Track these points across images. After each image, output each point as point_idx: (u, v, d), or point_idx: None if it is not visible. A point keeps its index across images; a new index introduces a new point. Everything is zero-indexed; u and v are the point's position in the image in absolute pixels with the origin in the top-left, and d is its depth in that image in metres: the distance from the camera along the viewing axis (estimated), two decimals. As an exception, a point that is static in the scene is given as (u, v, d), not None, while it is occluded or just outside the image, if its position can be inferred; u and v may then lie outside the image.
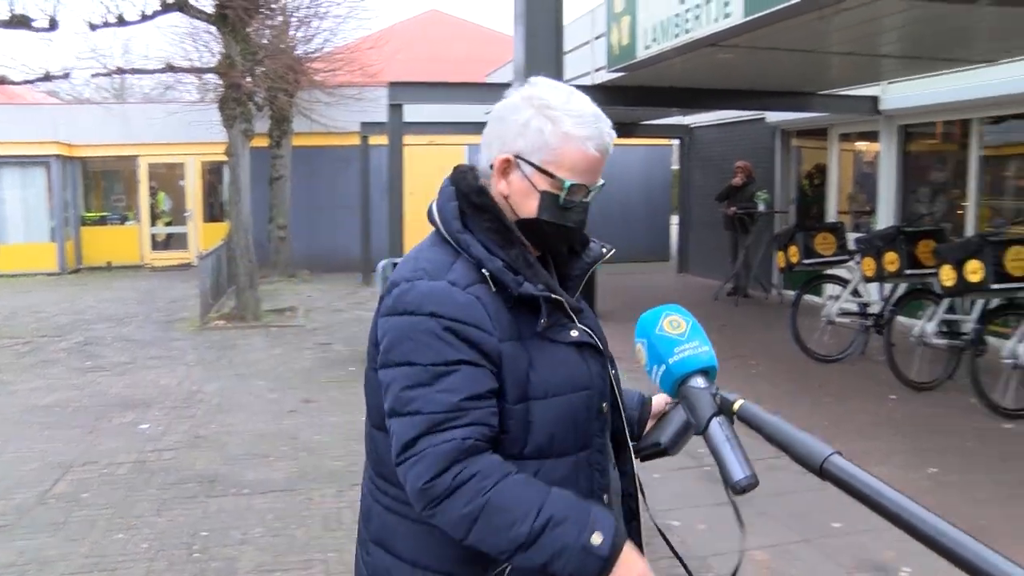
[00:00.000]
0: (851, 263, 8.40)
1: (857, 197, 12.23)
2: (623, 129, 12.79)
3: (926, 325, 7.29)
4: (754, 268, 12.63)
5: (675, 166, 18.74)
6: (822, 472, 1.15)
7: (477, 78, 17.36)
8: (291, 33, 16.59)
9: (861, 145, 12.13)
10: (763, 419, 1.26)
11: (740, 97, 10.38)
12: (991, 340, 7.22)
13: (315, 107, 17.02)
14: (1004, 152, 9.83)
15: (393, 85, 10.20)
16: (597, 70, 9.71)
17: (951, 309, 7.45)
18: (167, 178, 19.61)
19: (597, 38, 10.13)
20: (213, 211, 19.36)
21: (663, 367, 1.44)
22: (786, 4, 5.43)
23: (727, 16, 6.15)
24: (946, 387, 7.33)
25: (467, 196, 1.62)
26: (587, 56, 10.71)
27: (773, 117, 12.54)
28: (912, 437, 6.11)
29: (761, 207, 12.32)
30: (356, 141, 15.69)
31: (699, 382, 1.39)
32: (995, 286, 6.53)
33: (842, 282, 8.58)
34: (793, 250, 8.47)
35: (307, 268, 17.04)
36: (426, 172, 17.60)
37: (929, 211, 10.35)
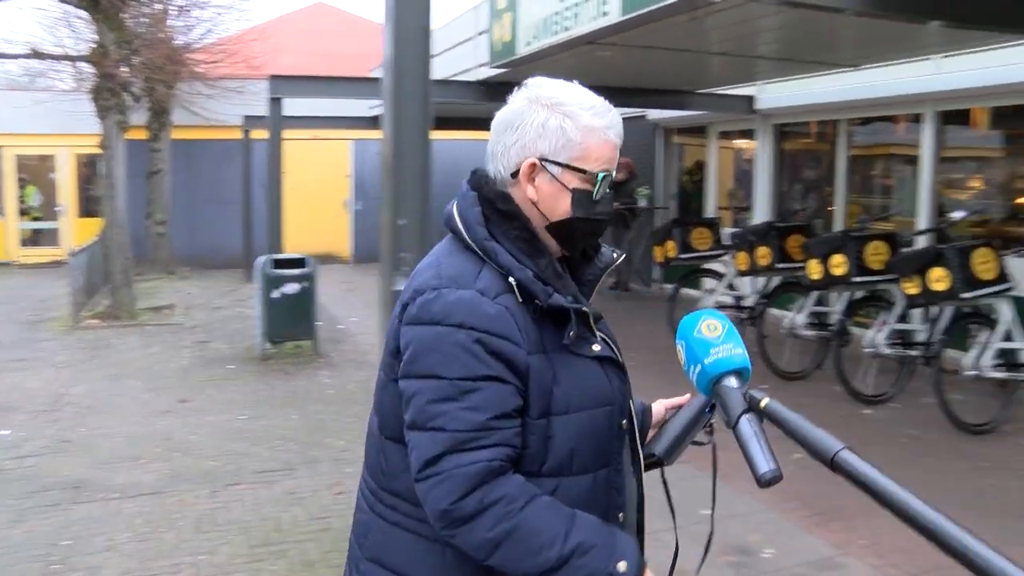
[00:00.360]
0: (726, 257, 8.66)
1: (736, 193, 12.65)
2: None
3: (796, 317, 7.61)
4: (636, 263, 12.88)
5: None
6: (833, 465, 1.23)
7: (365, 73, 17.16)
8: (169, 22, 16.00)
9: (739, 143, 12.55)
10: (785, 416, 1.34)
11: (621, 95, 10.51)
12: (855, 330, 7.60)
13: (196, 99, 16.47)
14: (872, 152, 10.34)
15: (273, 78, 9.98)
16: (480, 66, 9.72)
17: (819, 301, 7.80)
18: (38, 171, 18.60)
19: (480, 34, 10.15)
20: (88, 206, 18.45)
21: (699, 367, 1.49)
22: (660, 4, 5.54)
23: (604, 15, 6.24)
24: (815, 376, 7.65)
25: (492, 202, 1.57)
26: (470, 52, 10.72)
27: (654, 115, 12.82)
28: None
29: (642, 203, 12.61)
30: (238, 135, 15.28)
31: (732, 382, 1.45)
32: (856, 279, 6.89)
33: (718, 276, 8.85)
34: (670, 245, 8.69)
35: (187, 265, 16.52)
36: (309, 167, 17.50)
37: (802, 207, 10.79)
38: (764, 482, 1.33)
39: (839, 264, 6.87)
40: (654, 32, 6.48)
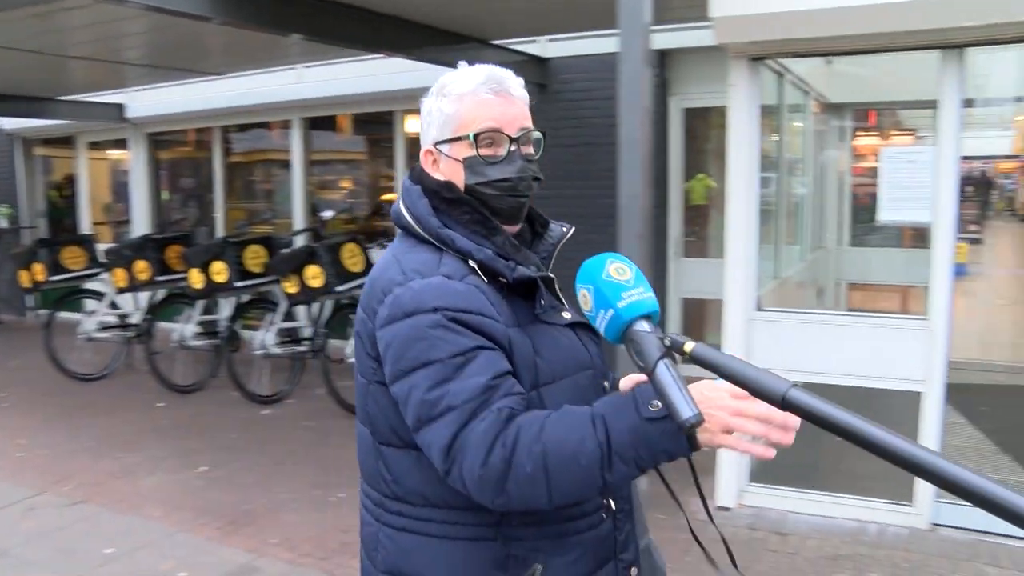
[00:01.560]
0: (104, 275, 8.09)
1: (114, 207, 11.90)
2: None
3: (184, 328, 7.42)
4: (1, 291, 11.36)
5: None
6: (784, 403, 1.16)
7: None
8: None
9: (113, 153, 11.81)
10: (718, 359, 1.25)
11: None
12: (247, 334, 7.69)
13: None
14: (251, 158, 10.55)
15: None
16: None
17: (207, 310, 7.71)
18: None
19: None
20: None
21: (610, 312, 1.36)
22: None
23: None
24: (212, 385, 7.55)
25: (437, 192, 1.57)
26: None
27: (9, 124, 11.42)
28: (182, 439, 6.15)
29: (3, 223, 11.16)
30: None
31: (645, 326, 1.34)
32: (239, 284, 6.96)
33: (99, 296, 8.23)
34: (38, 268, 7.82)
35: None
36: None
37: (184, 217, 10.59)
38: (688, 427, 1.23)
39: (220, 271, 6.87)
40: (-3, 28, 5.71)
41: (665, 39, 6.85)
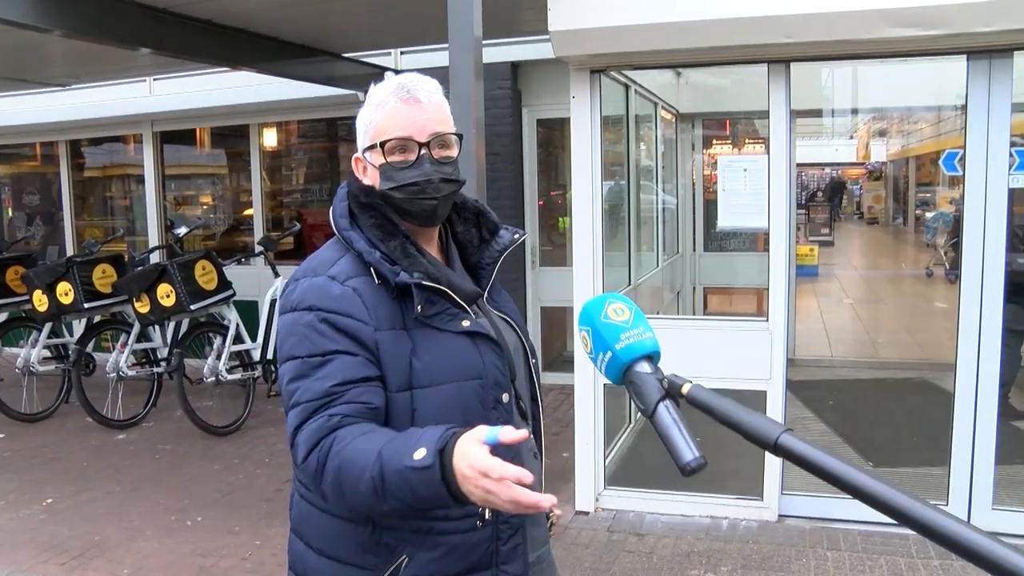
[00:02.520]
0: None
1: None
2: None
3: (30, 353, 7.04)
4: None
5: None
6: (776, 448, 1.12)
7: None
8: None
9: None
10: (713, 401, 1.21)
11: None
12: (99, 356, 7.36)
13: None
14: (105, 173, 10.12)
15: None
16: None
17: (55, 333, 7.35)
18: None
19: None
20: None
21: (609, 354, 1.33)
22: None
23: None
24: (62, 412, 7.19)
25: (356, 196, 1.68)
26: None
27: None
28: (26, 472, 5.83)
29: None
30: None
31: (645, 367, 1.31)
32: (88, 305, 6.67)
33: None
34: None
35: None
36: None
37: (30, 235, 10.05)
38: (689, 471, 1.18)
39: (67, 292, 6.57)
40: None
41: (517, 51, 6.99)
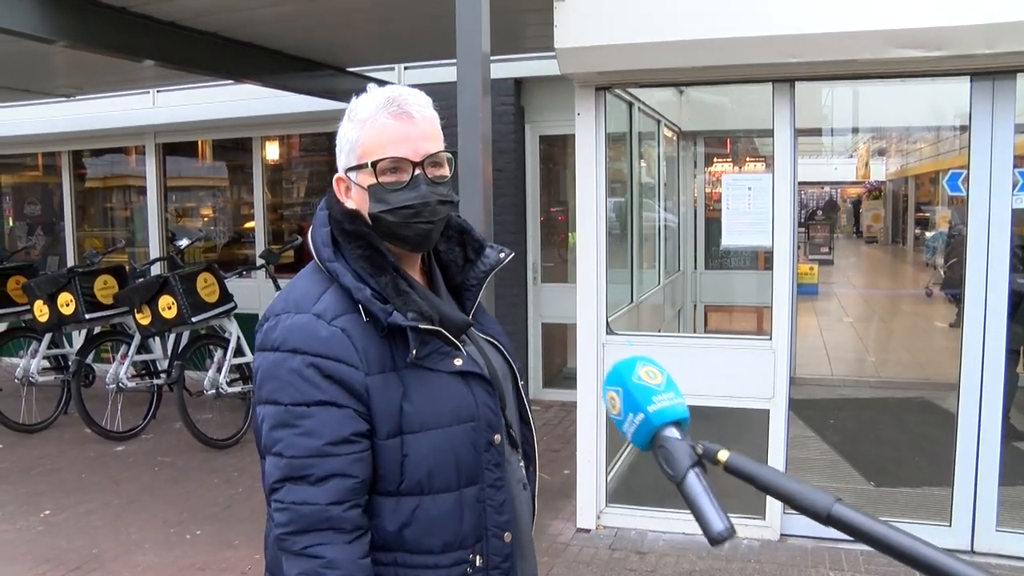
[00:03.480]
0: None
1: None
2: None
3: (30, 363, 7.03)
4: None
5: None
6: (829, 519, 1.10)
7: None
8: None
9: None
10: (756, 471, 1.17)
11: None
12: (100, 367, 7.34)
13: None
14: (107, 184, 10.13)
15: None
16: None
17: (55, 343, 7.34)
18: None
19: None
20: None
21: (640, 415, 1.29)
22: None
23: None
24: (61, 423, 7.18)
25: (339, 223, 1.55)
26: None
27: None
28: (24, 483, 5.81)
29: None
30: None
31: (674, 432, 1.27)
32: (89, 316, 6.66)
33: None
34: None
35: None
36: None
37: (31, 246, 10.05)
38: (719, 541, 1.16)
39: (68, 302, 6.56)
40: None
41: (521, 67, 7.01)
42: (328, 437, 1.44)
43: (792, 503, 1.14)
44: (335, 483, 1.44)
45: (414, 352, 1.49)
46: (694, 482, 1.21)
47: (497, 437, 1.58)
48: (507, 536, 1.60)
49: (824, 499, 1.11)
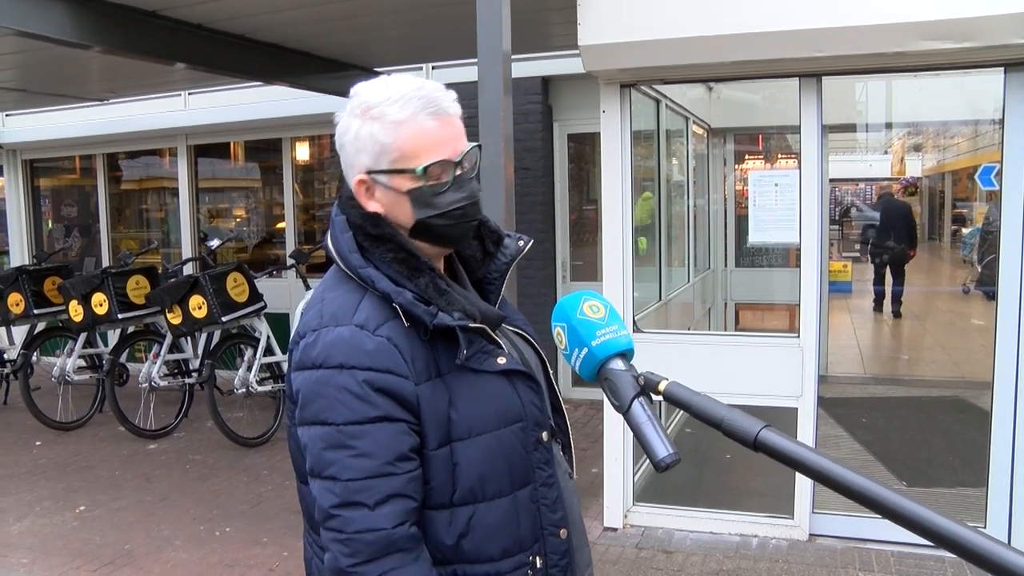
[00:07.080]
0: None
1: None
2: None
3: (66, 362, 7.15)
4: None
5: None
6: (756, 445, 1.13)
7: None
8: None
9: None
10: (690, 398, 1.22)
11: None
12: (132, 366, 7.45)
13: None
14: (142, 186, 10.27)
15: None
16: None
17: (89, 342, 7.45)
18: None
19: None
20: None
21: (585, 350, 1.34)
22: None
23: None
24: (96, 420, 7.30)
25: (362, 227, 1.46)
26: None
27: None
28: (60, 480, 5.91)
29: None
30: None
31: (619, 364, 1.32)
32: (123, 315, 6.76)
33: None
34: None
35: None
36: None
37: (67, 247, 10.22)
38: (663, 467, 1.20)
39: (101, 302, 6.67)
40: None
41: (548, 66, 7.00)
42: (386, 456, 1.37)
43: (721, 428, 1.17)
44: (396, 504, 1.37)
45: (464, 353, 1.43)
46: (639, 411, 1.25)
47: (545, 435, 1.54)
48: (563, 532, 1.56)
49: (752, 424, 1.14)
